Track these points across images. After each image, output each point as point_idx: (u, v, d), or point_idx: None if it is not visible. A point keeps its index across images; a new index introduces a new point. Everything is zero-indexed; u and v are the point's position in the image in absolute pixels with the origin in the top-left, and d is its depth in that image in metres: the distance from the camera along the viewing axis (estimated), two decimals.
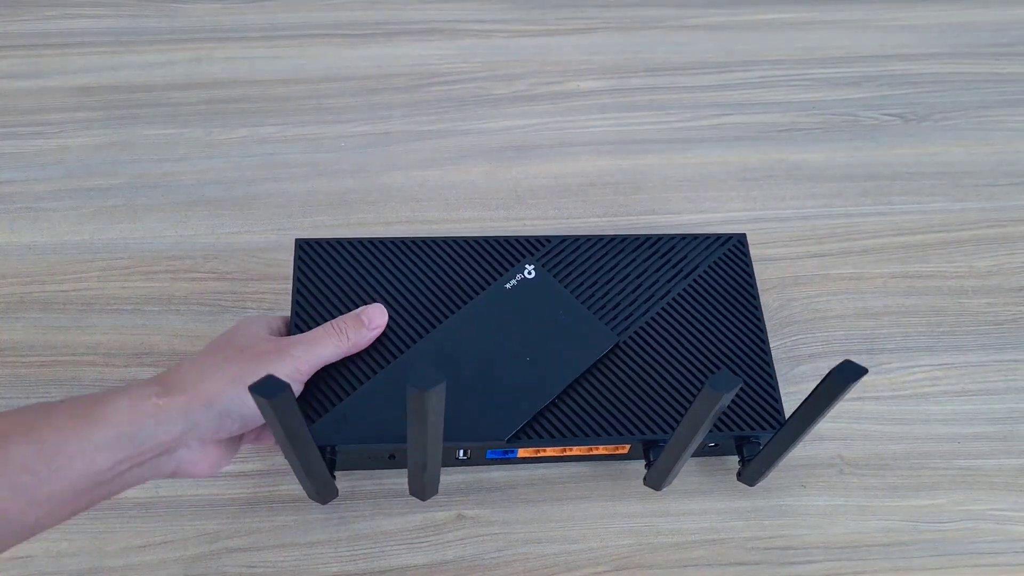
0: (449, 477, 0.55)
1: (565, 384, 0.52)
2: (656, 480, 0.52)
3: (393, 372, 0.51)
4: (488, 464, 0.55)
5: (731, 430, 0.52)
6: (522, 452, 0.52)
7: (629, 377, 0.53)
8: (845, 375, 0.39)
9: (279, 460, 0.55)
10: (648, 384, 0.53)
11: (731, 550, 0.53)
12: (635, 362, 0.54)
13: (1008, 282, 0.66)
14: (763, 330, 0.56)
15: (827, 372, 0.40)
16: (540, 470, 0.56)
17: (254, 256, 0.65)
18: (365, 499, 0.54)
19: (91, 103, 0.74)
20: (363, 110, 0.75)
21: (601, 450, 0.53)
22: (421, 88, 0.77)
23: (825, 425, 0.58)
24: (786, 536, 0.54)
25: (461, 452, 0.53)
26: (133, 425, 0.40)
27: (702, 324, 0.56)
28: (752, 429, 0.52)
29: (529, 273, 0.55)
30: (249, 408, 0.44)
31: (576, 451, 0.53)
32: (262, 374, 0.41)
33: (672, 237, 0.59)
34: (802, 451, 0.57)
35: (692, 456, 0.55)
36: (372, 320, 0.51)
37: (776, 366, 0.58)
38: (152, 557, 0.52)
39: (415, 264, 0.56)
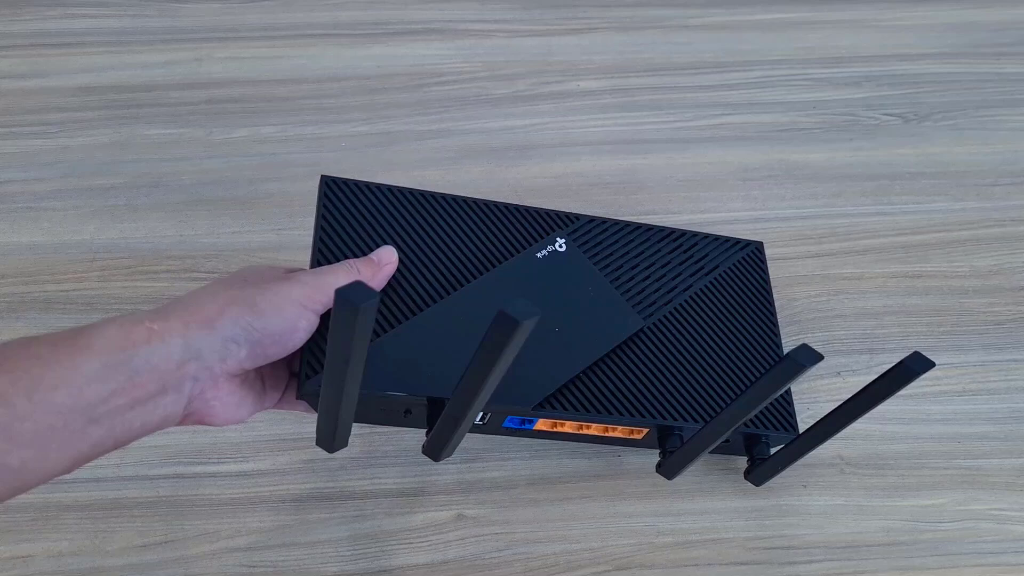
0: (449, 477, 0.55)
1: (591, 360, 0.51)
2: (674, 467, 0.51)
3: (417, 325, 0.49)
4: (502, 433, 0.52)
5: (742, 427, 0.52)
6: (540, 425, 0.51)
7: (653, 363, 0.53)
8: (911, 369, 0.38)
9: (280, 460, 0.55)
10: (671, 372, 0.53)
11: (732, 550, 0.53)
12: (658, 349, 0.53)
13: (1009, 282, 0.66)
14: (778, 335, 0.57)
15: (892, 365, 0.38)
16: (540, 470, 0.56)
17: (255, 256, 0.65)
18: (365, 499, 0.54)
19: (92, 103, 0.74)
20: (363, 110, 0.75)
21: (618, 432, 0.52)
22: (421, 88, 0.77)
23: None
24: (787, 536, 0.54)
25: (480, 416, 0.50)
26: (124, 352, 0.36)
27: (722, 321, 0.56)
28: (763, 428, 0.52)
29: (560, 246, 0.54)
30: (258, 332, 0.40)
31: (593, 429, 0.52)
32: (269, 296, 0.38)
33: (695, 234, 0.59)
34: None
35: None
36: (382, 258, 0.48)
37: None
38: (152, 557, 0.52)
39: (440, 221, 0.54)
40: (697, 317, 0.56)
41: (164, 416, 0.38)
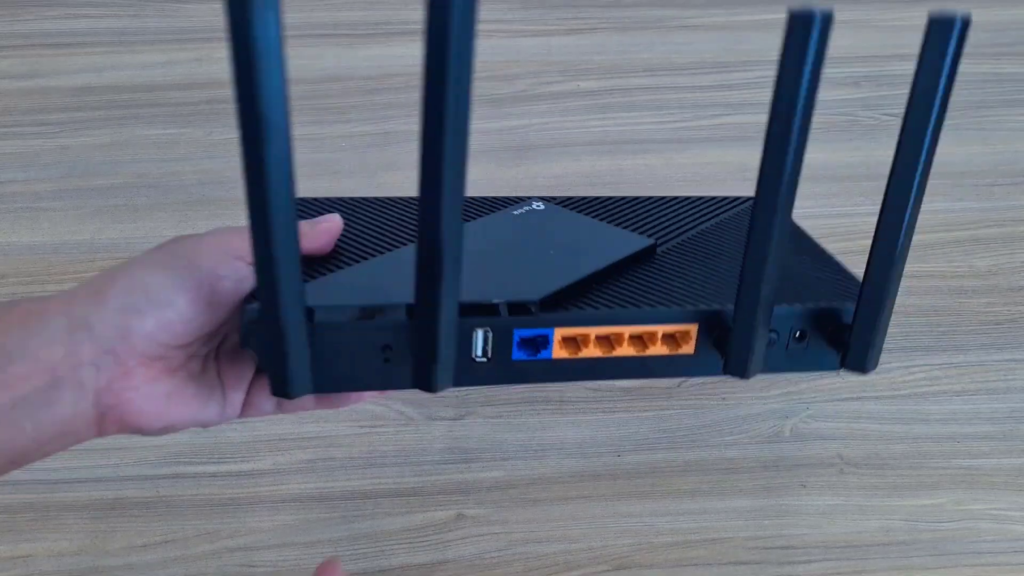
0: (449, 477, 0.55)
1: (603, 263, 0.44)
2: (742, 353, 0.39)
3: (371, 266, 0.42)
4: (513, 377, 0.42)
5: (807, 303, 0.42)
6: (558, 350, 0.42)
7: (677, 263, 0.46)
8: (942, 21, 0.29)
9: (280, 460, 0.56)
10: (701, 264, 0.45)
11: (731, 550, 0.53)
12: (678, 257, 0.47)
13: (1008, 282, 0.66)
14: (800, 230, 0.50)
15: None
16: (540, 470, 0.56)
17: None
18: (365, 499, 0.54)
19: (92, 103, 0.75)
20: (363, 110, 0.75)
21: (659, 346, 0.42)
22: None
23: (825, 425, 0.58)
24: (786, 536, 0.54)
25: (480, 343, 0.41)
26: None
27: (737, 240, 0.48)
28: (829, 300, 0.42)
29: (538, 206, 0.49)
30: (166, 292, 0.32)
31: (626, 347, 0.43)
32: (178, 250, 0.33)
33: (675, 198, 0.53)
34: (802, 451, 0.57)
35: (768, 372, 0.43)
36: (323, 217, 0.40)
37: None
38: (152, 556, 0.52)
39: (401, 221, 0.48)
40: (708, 243, 0.49)
41: (66, 418, 0.31)
